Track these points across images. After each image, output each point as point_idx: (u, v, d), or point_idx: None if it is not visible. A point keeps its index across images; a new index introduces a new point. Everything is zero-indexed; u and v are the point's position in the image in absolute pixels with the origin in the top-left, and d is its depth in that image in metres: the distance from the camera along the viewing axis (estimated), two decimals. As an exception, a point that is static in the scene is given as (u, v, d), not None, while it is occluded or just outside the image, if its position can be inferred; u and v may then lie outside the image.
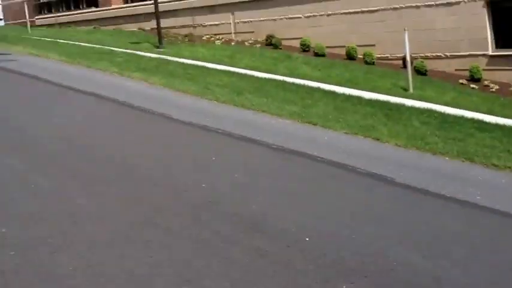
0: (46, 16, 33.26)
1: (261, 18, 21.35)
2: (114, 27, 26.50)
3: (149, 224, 4.46)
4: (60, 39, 20.54)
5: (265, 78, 13.60)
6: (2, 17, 37.25)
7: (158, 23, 19.21)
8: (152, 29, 23.92)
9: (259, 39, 20.93)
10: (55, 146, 6.76)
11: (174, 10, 24.41)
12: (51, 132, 7.36)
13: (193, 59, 16.38)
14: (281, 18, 20.78)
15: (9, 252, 3.83)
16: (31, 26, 26.18)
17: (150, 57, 16.43)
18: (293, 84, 13.07)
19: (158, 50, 18.62)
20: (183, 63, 15.32)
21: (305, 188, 5.79)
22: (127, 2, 28.92)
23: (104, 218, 4.54)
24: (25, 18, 26.72)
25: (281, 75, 14.41)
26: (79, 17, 30.22)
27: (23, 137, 7.11)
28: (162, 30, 19.82)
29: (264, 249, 4.12)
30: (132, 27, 25.79)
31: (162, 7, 20.28)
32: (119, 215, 4.62)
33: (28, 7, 26.80)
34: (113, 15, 28.01)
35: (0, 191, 5.09)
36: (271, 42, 20.04)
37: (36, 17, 32.83)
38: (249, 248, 4.13)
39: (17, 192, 5.04)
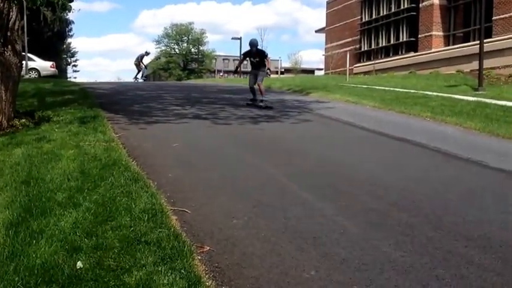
0: (364, 64, 34.69)
1: None
2: (430, 71, 26.10)
3: None
4: (375, 85, 20.92)
5: None
6: (323, 67, 40.20)
7: (480, 64, 18.01)
8: (471, 70, 22.80)
9: None
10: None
11: (499, 50, 22.89)
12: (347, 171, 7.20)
13: (517, 101, 14.85)
14: None
15: None
16: (349, 74, 27.43)
17: (466, 100, 15.44)
18: None
19: (476, 92, 17.45)
20: (504, 106, 13.98)
21: None
22: (448, 45, 28.28)
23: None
24: (345, 67, 28.16)
25: None
26: (395, 63, 30.69)
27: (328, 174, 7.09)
28: (483, 71, 18.51)
29: None
30: (449, 70, 25.01)
31: (485, 47, 18.98)
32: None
33: (349, 56, 28.22)
34: (430, 59, 27.67)
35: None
36: None
37: (355, 65, 34.45)
38: None
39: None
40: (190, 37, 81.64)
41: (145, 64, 29.85)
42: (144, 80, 29.80)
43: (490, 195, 6.35)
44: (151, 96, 18.02)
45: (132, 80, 30.69)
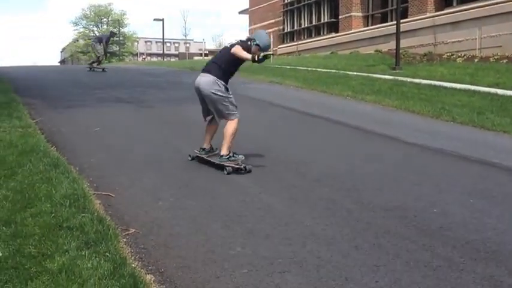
0: (287, 45, 34.99)
1: (512, 31, 19.43)
2: (350, 50, 26.64)
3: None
4: (298, 66, 21.18)
5: (511, 96, 12.16)
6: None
7: (397, 44, 18.50)
8: (389, 50, 23.44)
9: (506, 54, 19.03)
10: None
11: (414, 30, 23.61)
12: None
13: (430, 79, 15.45)
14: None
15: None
16: (273, 55, 27.60)
17: (384, 79, 15.93)
18: (546, 101, 11.51)
19: (394, 71, 18.03)
20: (418, 84, 14.52)
21: None
22: (367, 25, 28.94)
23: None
24: (269, 48, 28.27)
25: (531, 91, 12.83)
26: (318, 44, 31.13)
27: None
28: (400, 51, 19.09)
29: None
30: (369, 49, 25.60)
31: (402, 27, 19.55)
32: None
33: (273, 37, 28.36)
34: (350, 40, 28.23)
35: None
36: (521, 56, 18.15)
37: (278, 47, 34.72)
38: None
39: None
40: (109, 18, 79.44)
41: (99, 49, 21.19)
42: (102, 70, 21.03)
43: (405, 168, 6.64)
44: (70, 81, 17.48)
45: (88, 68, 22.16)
